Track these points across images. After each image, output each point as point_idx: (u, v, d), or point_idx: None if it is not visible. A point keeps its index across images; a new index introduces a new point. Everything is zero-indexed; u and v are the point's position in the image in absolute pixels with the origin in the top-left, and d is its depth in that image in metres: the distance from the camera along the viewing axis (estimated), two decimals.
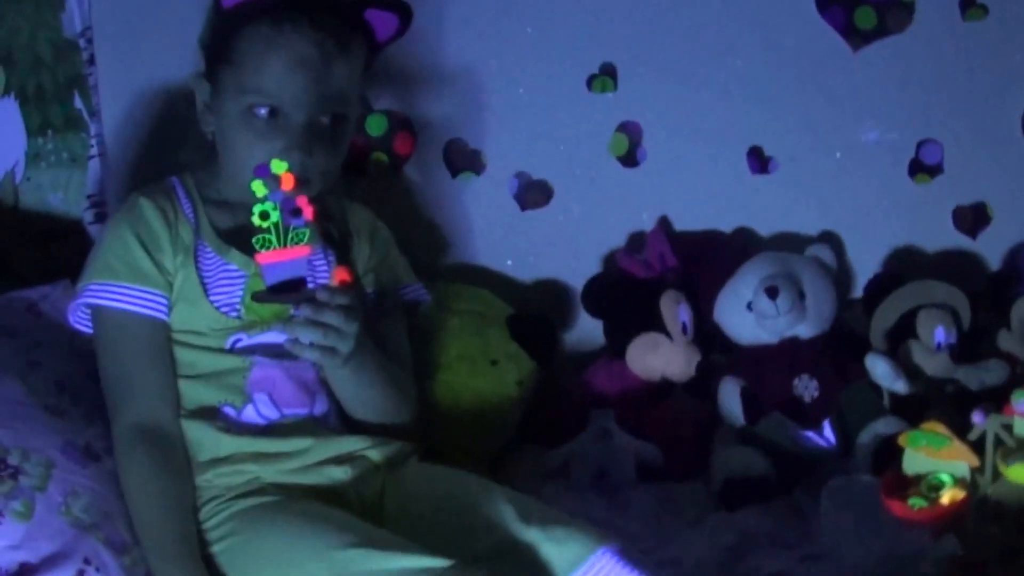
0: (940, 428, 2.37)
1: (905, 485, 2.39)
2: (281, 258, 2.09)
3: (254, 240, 2.08)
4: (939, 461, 2.37)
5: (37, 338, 2.41)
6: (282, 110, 2.25)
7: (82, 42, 2.73)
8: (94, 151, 2.78)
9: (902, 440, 2.40)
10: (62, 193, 2.78)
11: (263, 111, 2.25)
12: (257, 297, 2.17)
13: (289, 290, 2.11)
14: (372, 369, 2.31)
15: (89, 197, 2.79)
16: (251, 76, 2.25)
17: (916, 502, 2.33)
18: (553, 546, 2.08)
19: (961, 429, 2.40)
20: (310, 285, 2.14)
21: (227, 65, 2.29)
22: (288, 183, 2.08)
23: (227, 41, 2.29)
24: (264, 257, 2.08)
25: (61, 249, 2.78)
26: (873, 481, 2.47)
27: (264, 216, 2.07)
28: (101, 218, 2.78)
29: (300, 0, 2.28)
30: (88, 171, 2.78)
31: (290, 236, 2.08)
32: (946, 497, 2.32)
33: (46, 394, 2.27)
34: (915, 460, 2.40)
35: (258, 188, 2.07)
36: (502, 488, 2.23)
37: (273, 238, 2.07)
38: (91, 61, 2.75)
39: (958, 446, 2.35)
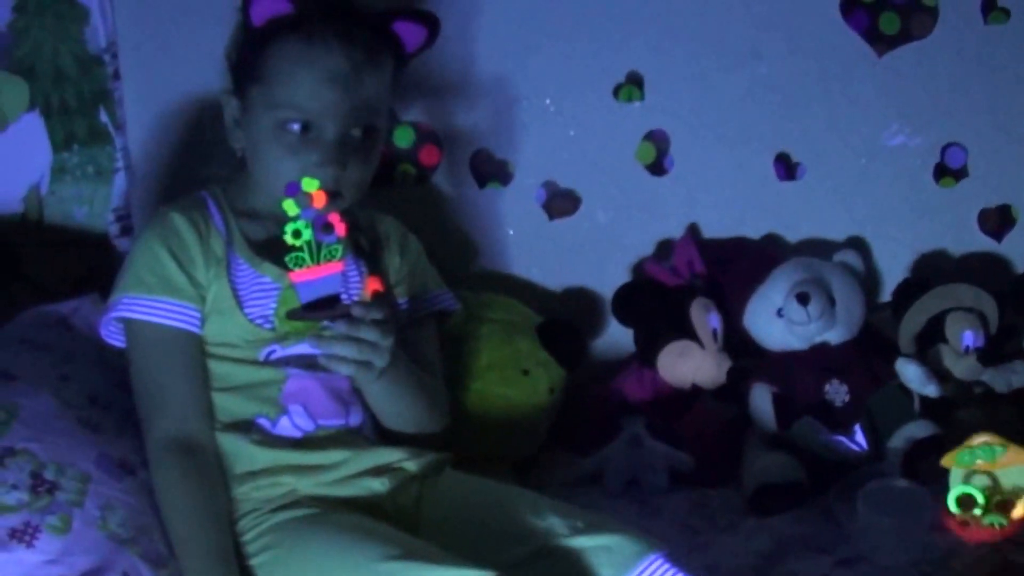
0: (992, 438, 2.35)
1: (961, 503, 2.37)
2: (315, 275, 2.07)
3: (287, 258, 2.07)
4: (999, 471, 2.35)
5: (68, 352, 2.40)
6: (314, 124, 2.24)
7: (107, 56, 2.73)
8: (120, 164, 2.77)
9: (947, 462, 2.37)
10: (87, 207, 2.77)
11: (295, 126, 2.24)
12: (292, 315, 2.16)
13: (324, 307, 2.10)
14: (405, 380, 2.31)
15: (114, 210, 2.78)
16: (282, 91, 2.25)
17: (994, 520, 2.31)
18: (601, 552, 2.08)
19: (991, 430, 2.40)
20: (344, 300, 2.14)
21: (257, 81, 2.28)
22: (319, 200, 2.07)
23: (256, 58, 2.29)
24: (298, 275, 2.07)
25: (87, 263, 2.77)
26: (908, 485, 2.47)
27: (296, 234, 2.06)
28: (127, 231, 2.78)
29: (329, 14, 2.28)
30: (113, 185, 2.78)
31: (323, 253, 2.07)
32: (1020, 509, 2.31)
33: (79, 408, 2.26)
34: (963, 478, 2.38)
35: (289, 207, 2.06)
36: (542, 496, 2.24)
37: (306, 256, 2.06)
38: (116, 75, 2.74)
39: (1016, 450, 2.34)
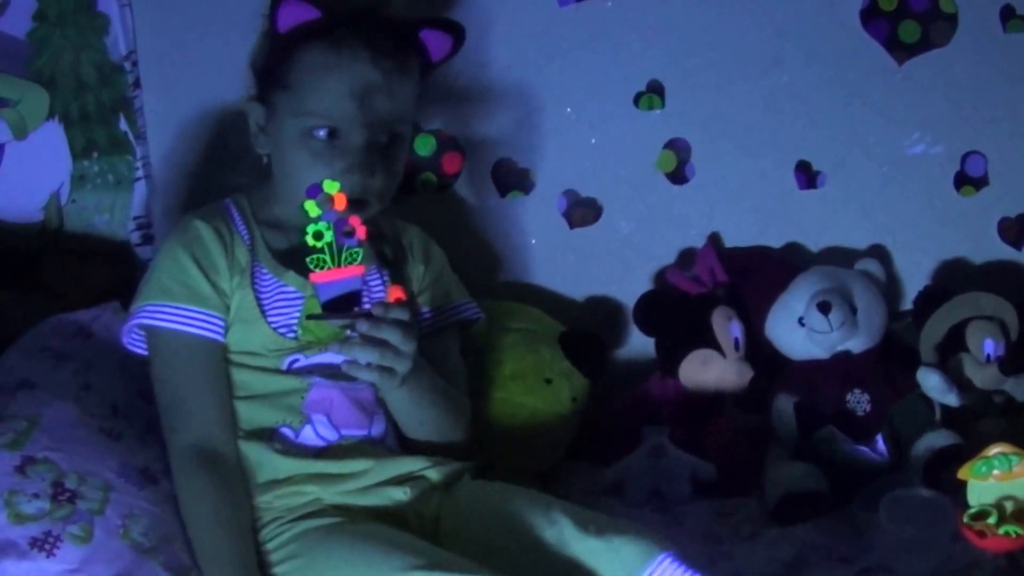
0: (1007, 448, 2.34)
1: (974, 517, 2.35)
2: (335, 277, 2.09)
3: (308, 260, 2.08)
4: (1014, 481, 2.34)
5: (89, 361, 2.40)
6: (341, 131, 2.25)
7: (127, 65, 2.73)
8: (140, 173, 2.78)
9: (963, 474, 2.36)
10: (107, 215, 2.78)
11: (322, 133, 2.25)
12: (312, 317, 2.17)
13: (343, 308, 2.11)
14: (428, 389, 2.32)
15: (135, 219, 2.78)
16: (309, 99, 2.26)
17: (1010, 529, 2.29)
18: (613, 554, 2.07)
19: (1012, 439, 2.39)
20: (365, 304, 2.14)
21: (283, 88, 2.29)
22: (340, 203, 2.08)
23: (283, 65, 2.30)
24: (318, 276, 2.08)
25: (107, 271, 2.78)
26: (930, 494, 2.47)
27: (317, 236, 2.07)
28: (148, 240, 2.78)
29: (356, 21, 2.29)
30: (134, 193, 2.78)
31: (343, 256, 2.08)
32: None
33: (101, 417, 2.27)
34: (981, 489, 2.37)
35: (311, 208, 2.07)
36: (556, 500, 2.23)
37: (327, 258, 2.07)
38: (136, 84, 2.75)
39: None
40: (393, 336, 2.11)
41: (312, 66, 2.26)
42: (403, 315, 2.13)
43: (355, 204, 2.15)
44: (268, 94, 2.33)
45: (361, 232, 2.09)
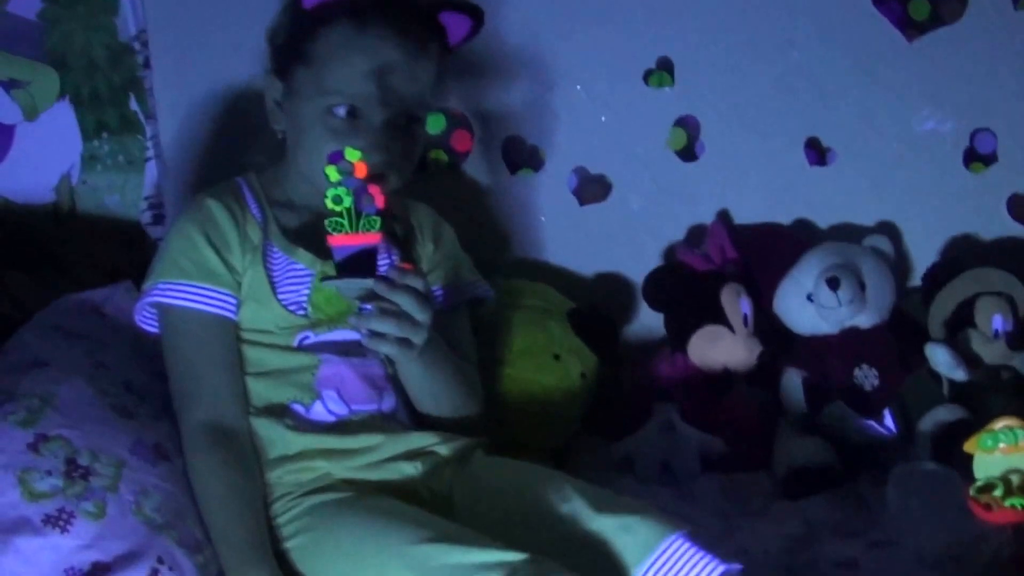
0: (1013, 421, 2.35)
1: (980, 490, 2.36)
2: (352, 242, 2.08)
3: (327, 222, 2.07)
4: (1020, 454, 2.34)
5: (102, 339, 2.40)
6: (361, 111, 2.25)
7: (137, 45, 2.74)
8: (151, 153, 2.78)
9: (970, 447, 2.36)
10: (119, 195, 2.78)
11: (342, 111, 2.25)
12: (327, 278, 2.16)
13: (358, 270, 2.11)
14: (443, 363, 2.32)
15: (147, 199, 2.79)
16: (332, 77, 2.26)
17: (1015, 502, 2.30)
18: (625, 533, 2.07)
19: (1020, 414, 2.39)
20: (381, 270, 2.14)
21: (305, 64, 2.29)
22: (361, 171, 2.08)
23: (306, 41, 2.29)
24: (336, 239, 2.08)
25: (119, 251, 2.79)
26: (938, 468, 2.47)
27: (337, 200, 2.07)
28: (159, 219, 2.79)
29: (380, 2, 2.29)
30: (145, 173, 2.79)
31: (361, 223, 2.08)
32: None
33: (114, 395, 2.26)
34: (987, 462, 2.37)
35: (332, 173, 2.07)
36: (570, 478, 2.22)
37: (345, 222, 2.07)
38: (146, 64, 2.75)
39: None
40: (408, 303, 2.11)
41: (336, 44, 2.26)
42: (418, 283, 2.13)
43: (373, 180, 2.15)
44: (288, 69, 2.33)
45: (380, 201, 2.08)
